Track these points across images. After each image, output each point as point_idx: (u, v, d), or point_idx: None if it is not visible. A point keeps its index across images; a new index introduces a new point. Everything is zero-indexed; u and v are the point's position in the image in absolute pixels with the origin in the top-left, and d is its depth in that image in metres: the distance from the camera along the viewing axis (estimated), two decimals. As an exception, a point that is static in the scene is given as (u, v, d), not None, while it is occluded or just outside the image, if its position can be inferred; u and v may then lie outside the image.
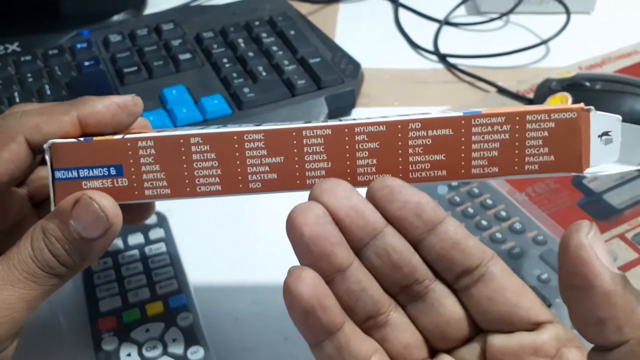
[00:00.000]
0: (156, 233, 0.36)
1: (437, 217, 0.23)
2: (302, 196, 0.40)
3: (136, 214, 0.30)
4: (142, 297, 0.32)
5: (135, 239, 0.35)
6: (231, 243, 0.38)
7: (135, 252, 0.35)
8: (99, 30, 0.52)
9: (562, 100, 0.44)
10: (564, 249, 0.20)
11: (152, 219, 0.37)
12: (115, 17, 0.57)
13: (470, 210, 0.36)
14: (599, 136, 0.24)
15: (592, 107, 0.24)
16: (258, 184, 0.25)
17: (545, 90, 0.46)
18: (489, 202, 0.37)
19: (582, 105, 0.24)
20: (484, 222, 0.35)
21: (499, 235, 0.35)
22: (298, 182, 0.25)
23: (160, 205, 0.37)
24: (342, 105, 0.46)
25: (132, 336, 0.31)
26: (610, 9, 0.58)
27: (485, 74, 0.50)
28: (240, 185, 0.25)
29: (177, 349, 0.30)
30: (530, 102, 0.47)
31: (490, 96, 0.49)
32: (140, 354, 0.30)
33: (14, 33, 0.53)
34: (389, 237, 0.23)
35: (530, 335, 0.22)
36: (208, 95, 0.45)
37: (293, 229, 0.22)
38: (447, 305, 0.23)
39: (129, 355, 0.30)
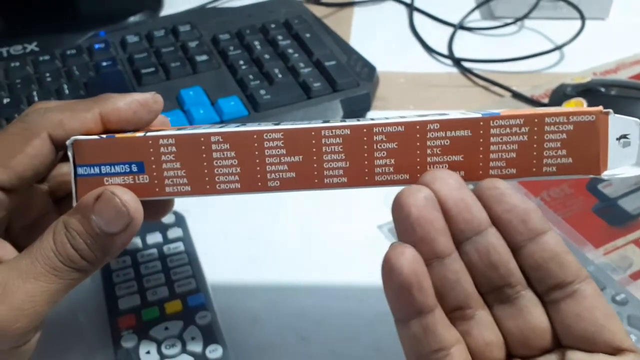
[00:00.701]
0: (174, 232, 0.36)
1: (541, 227, 0.23)
2: (322, 196, 0.40)
3: (155, 210, 0.31)
4: (161, 296, 0.33)
5: (154, 238, 0.36)
6: (248, 243, 0.38)
7: (154, 251, 0.35)
8: (116, 31, 0.53)
9: (577, 106, 0.44)
10: None
11: (170, 219, 0.37)
12: (132, 19, 0.58)
13: (486, 213, 0.36)
14: (617, 139, 0.25)
15: (610, 110, 0.24)
16: (277, 183, 0.25)
17: (560, 95, 0.46)
18: (505, 206, 0.37)
19: (600, 108, 0.24)
20: (500, 226, 0.35)
21: (514, 239, 0.35)
22: (316, 181, 0.25)
23: (178, 205, 0.37)
24: (357, 108, 0.47)
25: (151, 334, 0.31)
26: (625, 15, 0.59)
27: (500, 79, 0.50)
28: (259, 184, 0.25)
29: (196, 347, 0.30)
30: (545, 107, 0.47)
31: (504, 101, 0.49)
32: (159, 351, 0.30)
33: (33, 33, 0.53)
34: (491, 237, 0.23)
35: (610, 359, 0.23)
36: (225, 97, 0.45)
37: (400, 208, 0.23)
38: (534, 314, 0.23)
39: (148, 352, 0.30)
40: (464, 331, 0.24)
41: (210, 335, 0.31)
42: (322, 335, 0.33)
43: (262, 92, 0.45)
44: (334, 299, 0.35)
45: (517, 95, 0.49)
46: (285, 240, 0.38)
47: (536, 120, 0.24)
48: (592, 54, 0.53)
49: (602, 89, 0.44)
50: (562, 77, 0.49)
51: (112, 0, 0.60)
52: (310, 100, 0.46)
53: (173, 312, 0.32)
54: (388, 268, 0.22)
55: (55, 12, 0.58)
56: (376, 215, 0.39)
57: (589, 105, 0.44)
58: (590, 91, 0.45)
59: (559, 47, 0.53)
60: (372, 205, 0.40)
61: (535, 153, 0.25)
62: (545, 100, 0.48)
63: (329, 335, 0.33)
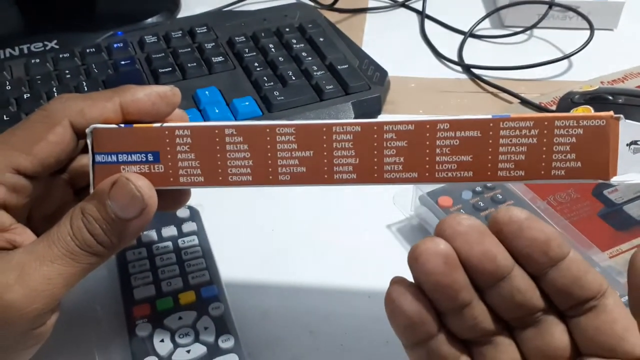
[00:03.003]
0: (189, 226, 0.37)
1: (562, 254, 0.23)
2: (332, 194, 0.41)
3: (172, 200, 0.31)
4: (175, 287, 0.33)
5: (169, 231, 0.37)
6: (260, 239, 0.39)
7: (169, 243, 0.36)
8: (134, 31, 0.54)
9: (584, 112, 0.45)
10: (632, 267, 0.21)
11: (185, 213, 0.38)
12: (149, 20, 0.59)
13: (494, 215, 0.37)
14: (627, 145, 0.25)
15: (621, 116, 0.25)
16: (287, 177, 0.26)
17: (567, 102, 0.47)
18: (512, 208, 0.37)
19: (611, 113, 0.25)
20: (507, 228, 0.36)
21: (521, 241, 0.35)
22: (326, 176, 0.26)
23: (193, 200, 0.38)
24: (368, 111, 0.48)
25: (166, 323, 0.32)
26: (633, 26, 0.59)
27: (509, 86, 0.51)
28: (270, 177, 0.26)
29: (209, 337, 0.31)
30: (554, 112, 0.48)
31: (513, 107, 0.50)
32: (173, 340, 0.31)
33: (53, 31, 0.55)
34: (515, 280, 0.23)
35: None
36: (239, 97, 0.46)
37: (418, 268, 0.22)
38: (555, 334, 0.23)
39: (162, 341, 0.31)
40: (479, 353, 0.24)
41: (223, 326, 0.32)
42: (331, 329, 0.34)
43: (276, 93, 0.46)
44: (343, 295, 0.35)
45: (525, 102, 0.50)
46: (296, 237, 0.39)
47: (546, 123, 0.25)
48: (600, 63, 0.54)
49: (610, 97, 0.45)
50: (570, 85, 0.50)
51: (130, 2, 0.61)
52: (322, 102, 0.47)
53: (187, 303, 0.33)
54: (391, 307, 0.23)
55: (75, 11, 0.59)
56: (385, 214, 0.40)
57: (596, 112, 0.44)
58: (598, 99, 0.45)
59: (567, 56, 0.54)
60: (382, 204, 0.41)
61: (544, 156, 0.25)
62: (553, 108, 0.48)
63: (338, 330, 0.34)
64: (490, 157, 0.25)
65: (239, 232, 0.39)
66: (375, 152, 0.26)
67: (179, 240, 0.36)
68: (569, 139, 0.25)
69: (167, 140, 0.26)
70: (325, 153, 0.26)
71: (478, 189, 0.39)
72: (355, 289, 0.36)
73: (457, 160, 0.25)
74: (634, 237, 0.38)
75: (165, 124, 0.26)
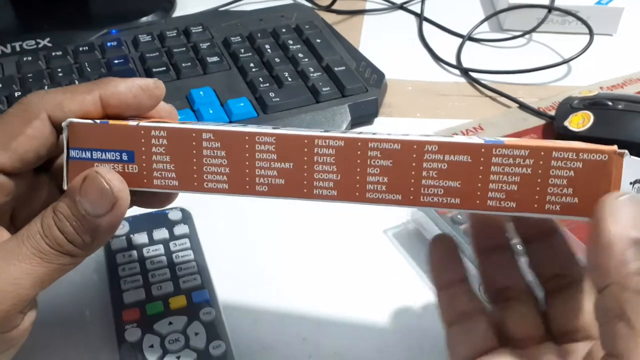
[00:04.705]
0: (181, 229, 0.36)
1: None
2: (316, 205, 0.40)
3: (157, 198, 0.30)
4: (166, 291, 0.33)
5: (160, 234, 0.36)
6: (253, 243, 0.38)
7: (160, 246, 0.35)
8: (128, 30, 0.53)
9: (584, 118, 0.44)
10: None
11: (177, 215, 0.37)
12: (144, 19, 0.58)
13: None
14: (631, 183, 0.23)
15: (625, 151, 0.22)
16: (265, 187, 0.25)
17: (566, 108, 0.46)
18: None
19: (615, 148, 0.23)
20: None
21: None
22: (305, 190, 0.25)
23: (185, 202, 0.37)
24: (365, 114, 0.47)
25: (155, 328, 0.31)
26: (633, 32, 0.59)
27: (507, 90, 0.51)
28: (247, 187, 0.25)
29: (199, 343, 0.31)
30: (551, 119, 0.47)
31: (511, 111, 0.49)
32: (162, 345, 0.30)
33: (46, 29, 0.54)
34: None
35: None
36: (234, 98, 0.46)
37: None
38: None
39: (151, 346, 0.30)
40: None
41: (214, 332, 0.31)
42: (325, 336, 0.33)
43: (272, 94, 0.46)
44: (337, 301, 0.35)
45: (523, 107, 0.49)
46: (290, 241, 0.39)
47: (542, 153, 0.23)
48: (600, 68, 0.53)
49: (610, 103, 0.45)
50: (568, 90, 0.50)
51: (125, 0, 0.61)
52: (318, 104, 0.46)
53: (177, 308, 0.32)
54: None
55: (69, 9, 0.59)
56: (382, 219, 0.39)
57: (596, 118, 0.44)
58: (598, 105, 0.45)
59: (566, 61, 0.53)
60: (378, 209, 0.40)
61: (538, 188, 0.23)
62: (552, 113, 0.48)
63: (332, 337, 0.33)
64: (479, 184, 0.23)
65: (232, 235, 0.39)
66: (358, 170, 0.24)
67: (171, 243, 0.36)
68: (566, 172, 0.23)
69: (143, 140, 0.25)
70: (305, 166, 0.24)
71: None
72: (350, 295, 0.35)
73: (444, 185, 0.24)
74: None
75: (141, 123, 0.25)
